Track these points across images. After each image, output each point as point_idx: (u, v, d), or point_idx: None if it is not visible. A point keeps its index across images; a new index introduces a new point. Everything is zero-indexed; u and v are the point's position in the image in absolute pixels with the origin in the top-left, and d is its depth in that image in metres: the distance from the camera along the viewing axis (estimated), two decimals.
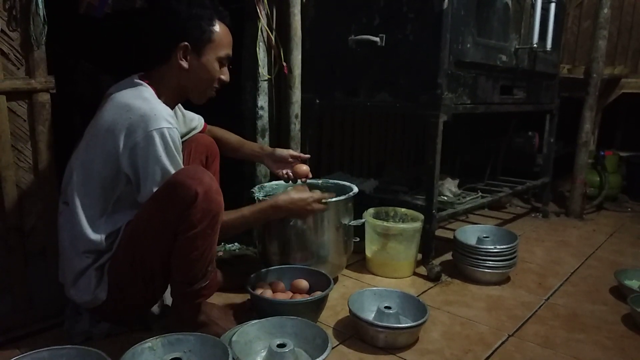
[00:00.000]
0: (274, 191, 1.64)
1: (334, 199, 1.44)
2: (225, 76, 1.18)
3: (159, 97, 1.11)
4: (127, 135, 1.03)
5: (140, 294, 1.12)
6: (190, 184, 1.01)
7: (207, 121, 1.49)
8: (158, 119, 1.03)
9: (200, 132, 1.44)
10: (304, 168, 1.43)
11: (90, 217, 1.08)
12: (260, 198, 1.48)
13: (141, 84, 1.11)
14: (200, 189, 1.01)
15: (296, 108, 1.78)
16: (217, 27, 1.14)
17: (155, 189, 1.04)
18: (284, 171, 1.42)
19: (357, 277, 1.63)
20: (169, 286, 1.14)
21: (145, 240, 1.06)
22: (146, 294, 1.13)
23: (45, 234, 1.24)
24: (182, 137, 1.30)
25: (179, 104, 1.33)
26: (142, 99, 1.07)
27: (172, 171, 1.05)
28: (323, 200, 1.32)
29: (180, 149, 1.08)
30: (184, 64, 1.13)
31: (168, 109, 1.08)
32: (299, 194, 1.28)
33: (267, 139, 1.82)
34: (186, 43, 1.12)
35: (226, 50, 1.16)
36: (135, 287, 1.11)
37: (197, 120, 1.43)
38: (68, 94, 2.44)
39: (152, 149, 1.03)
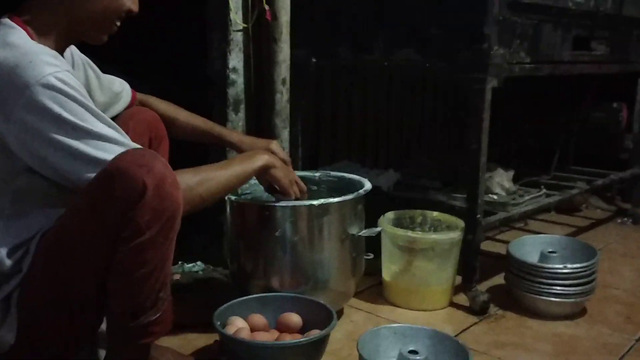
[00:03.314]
0: (251, 189, 1.63)
1: (336, 200, 1.44)
2: (135, 6, 1.14)
3: (38, 39, 1.07)
4: None
5: (65, 333, 1.11)
6: (135, 173, 1.00)
7: (153, 91, 1.49)
8: (35, 66, 0.99)
9: (129, 104, 1.44)
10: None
11: None
12: (233, 199, 1.48)
13: (5, 25, 1.07)
14: (149, 180, 1.00)
15: (283, 70, 1.77)
16: None
17: (88, 170, 1.02)
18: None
19: (370, 309, 1.63)
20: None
21: (72, 255, 1.06)
22: (74, 332, 1.12)
23: None
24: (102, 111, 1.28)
25: (88, 61, 1.31)
26: (6, 46, 1.02)
27: (97, 131, 1.02)
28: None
29: (92, 106, 1.05)
30: None
31: (46, 47, 1.05)
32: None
33: (242, 114, 1.82)
34: None
35: None
36: (58, 324, 1.10)
37: (119, 85, 1.41)
38: None
39: (45, 115, 0.99)
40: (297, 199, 1.44)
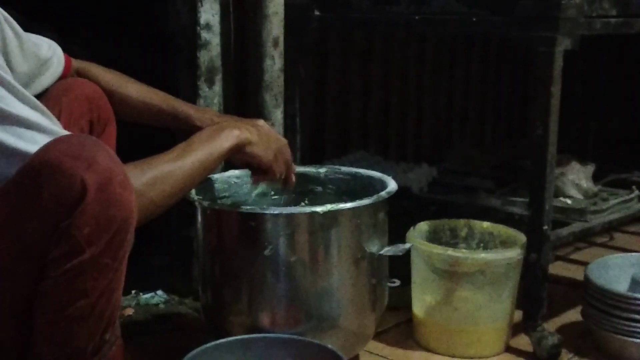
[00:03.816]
0: (230, 190, 1.64)
1: (348, 206, 1.44)
2: None
3: None
4: None
5: None
6: (71, 169, 1.00)
7: (95, 56, 1.50)
8: None
9: (62, 75, 1.44)
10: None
11: None
12: (206, 204, 1.48)
13: None
14: (90, 178, 1.01)
15: (275, 27, 1.78)
16: None
17: (4, 166, 1.03)
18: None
19: (396, 355, 1.63)
20: None
21: None
22: None
23: None
24: (23, 85, 1.25)
25: (6, 16, 1.29)
26: None
27: (16, 113, 1.03)
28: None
29: (9, 79, 1.05)
30: None
31: None
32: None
33: (217, 87, 1.83)
34: None
35: None
36: None
37: (47, 49, 1.42)
38: None
39: None
40: (284, 185, 1.45)
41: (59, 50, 1.44)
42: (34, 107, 1.06)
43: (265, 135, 1.41)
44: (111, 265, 1.06)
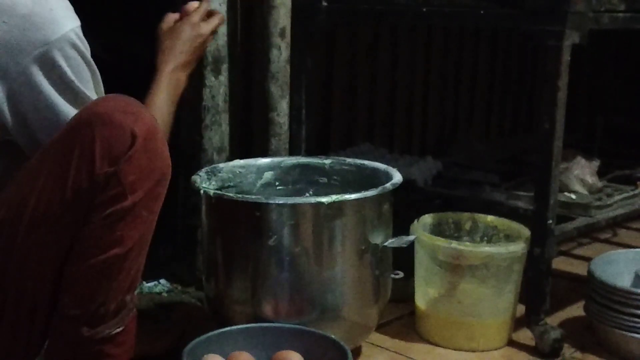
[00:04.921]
0: (235, 180, 1.65)
1: (352, 197, 1.44)
2: None
3: None
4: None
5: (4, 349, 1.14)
6: (122, 120, 1.08)
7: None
8: (56, 18, 1.08)
9: None
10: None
11: None
12: (211, 193, 1.48)
13: None
14: (139, 130, 1.08)
15: (282, 17, 1.78)
16: None
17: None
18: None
19: (399, 347, 1.64)
20: None
21: (28, 236, 1.09)
22: (15, 349, 1.15)
23: None
24: None
25: None
26: None
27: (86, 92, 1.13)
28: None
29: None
30: None
31: None
32: (186, 27, 1.45)
33: (224, 77, 1.82)
34: None
35: None
36: None
37: None
38: None
39: (54, 77, 1.09)
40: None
41: None
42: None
43: (195, 48, 1.45)
44: (147, 217, 1.12)
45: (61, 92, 1.11)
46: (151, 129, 1.10)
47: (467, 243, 1.69)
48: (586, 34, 1.55)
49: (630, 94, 2.80)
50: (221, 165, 1.67)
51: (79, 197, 1.07)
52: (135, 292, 1.77)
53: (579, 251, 2.24)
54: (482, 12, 1.64)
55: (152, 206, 1.12)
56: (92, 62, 1.15)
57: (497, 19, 1.64)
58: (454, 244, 1.62)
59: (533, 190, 1.64)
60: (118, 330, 1.14)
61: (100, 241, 1.09)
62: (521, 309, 1.67)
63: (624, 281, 1.69)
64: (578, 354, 1.63)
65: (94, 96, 1.14)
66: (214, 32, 1.49)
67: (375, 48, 2.34)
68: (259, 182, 1.68)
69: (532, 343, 1.63)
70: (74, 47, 1.10)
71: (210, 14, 1.48)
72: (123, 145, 1.06)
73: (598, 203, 1.86)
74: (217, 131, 1.82)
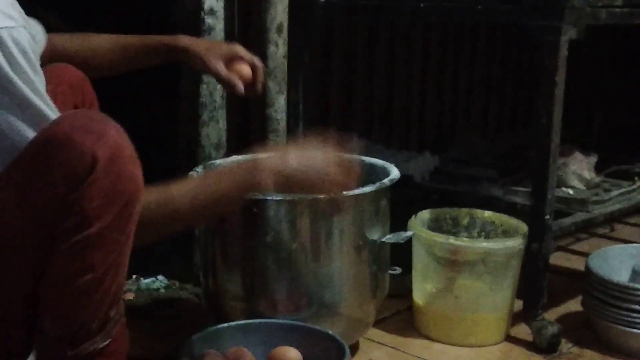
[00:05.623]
0: None
1: (350, 193, 1.43)
2: None
3: None
4: None
5: None
6: (82, 141, 1.02)
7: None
8: None
9: (43, 53, 1.42)
10: (247, 70, 1.48)
11: None
12: None
13: None
14: (101, 151, 1.02)
15: (279, 12, 1.78)
16: None
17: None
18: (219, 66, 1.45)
19: (396, 343, 1.64)
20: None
21: None
22: None
23: None
24: None
25: None
26: None
27: (40, 105, 1.05)
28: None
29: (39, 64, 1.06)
30: None
31: None
32: (311, 152, 1.30)
33: None
34: None
35: None
36: None
37: (34, 26, 1.40)
38: None
39: None
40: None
41: (39, 27, 1.42)
42: (41, 99, 1.06)
43: (315, 179, 1.26)
44: (118, 239, 1.07)
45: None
46: (115, 150, 1.03)
47: (465, 239, 1.69)
48: (584, 29, 1.55)
49: (628, 90, 2.81)
50: (219, 161, 1.67)
51: (39, 226, 1.04)
52: (133, 289, 1.79)
53: (576, 246, 2.24)
54: (479, 7, 1.64)
55: (123, 228, 1.06)
56: (34, 61, 1.06)
57: (494, 14, 1.64)
58: (452, 240, 1.62)
59: (530, 186, 1.64)
60: (104, 343, 1.11)
61: (71, 268, 1.05)
62: (519, 304, 1.67)
63: (622, 276, 1.69)
64: (575, 349, 1.63)
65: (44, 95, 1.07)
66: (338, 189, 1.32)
67: (373, 44, 2.34)
68: None
69: (530, 338, 1.63)
70: (5, 47, 1.01)
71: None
72: (83, 170, 1.01)
73: (595, 198, 1.87)
74: (215, 127, 1.82)
